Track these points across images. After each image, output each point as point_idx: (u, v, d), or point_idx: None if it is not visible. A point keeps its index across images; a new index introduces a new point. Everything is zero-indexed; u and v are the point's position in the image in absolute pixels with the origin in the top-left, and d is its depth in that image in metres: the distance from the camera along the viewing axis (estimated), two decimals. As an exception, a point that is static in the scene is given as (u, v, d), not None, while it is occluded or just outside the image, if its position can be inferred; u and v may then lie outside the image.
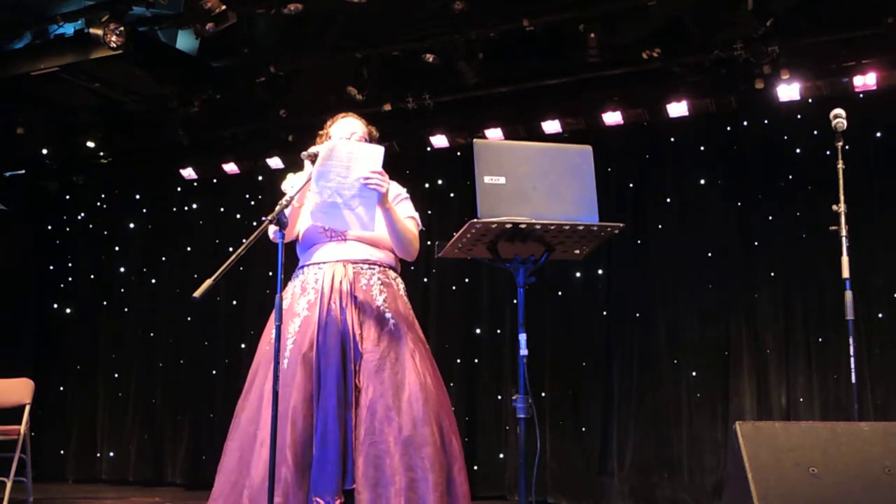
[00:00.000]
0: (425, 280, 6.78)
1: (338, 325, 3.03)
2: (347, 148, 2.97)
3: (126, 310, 7.86)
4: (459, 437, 3.13)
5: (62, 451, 7.73)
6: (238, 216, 7.61)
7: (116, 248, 8.04)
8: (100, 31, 5.43)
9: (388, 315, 3.10)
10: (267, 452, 2.87)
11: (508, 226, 2.64)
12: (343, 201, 2.96)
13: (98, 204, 8.17)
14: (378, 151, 2.97)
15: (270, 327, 3.18)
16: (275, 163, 7.14)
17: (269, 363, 3.06)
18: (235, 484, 2.95)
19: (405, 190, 3.32)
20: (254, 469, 2.91)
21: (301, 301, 3.12)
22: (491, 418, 6.55)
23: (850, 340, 3.90)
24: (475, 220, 2.61)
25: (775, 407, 5.81)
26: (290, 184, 3.20)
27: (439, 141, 6.73)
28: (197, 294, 2.66)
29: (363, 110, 4.80)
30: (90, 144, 7.43)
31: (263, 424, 2.95)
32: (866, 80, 5.60)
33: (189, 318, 7.60)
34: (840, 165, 4.00)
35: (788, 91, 5.73)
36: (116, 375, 7.76)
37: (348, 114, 3.39)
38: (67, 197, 8.28)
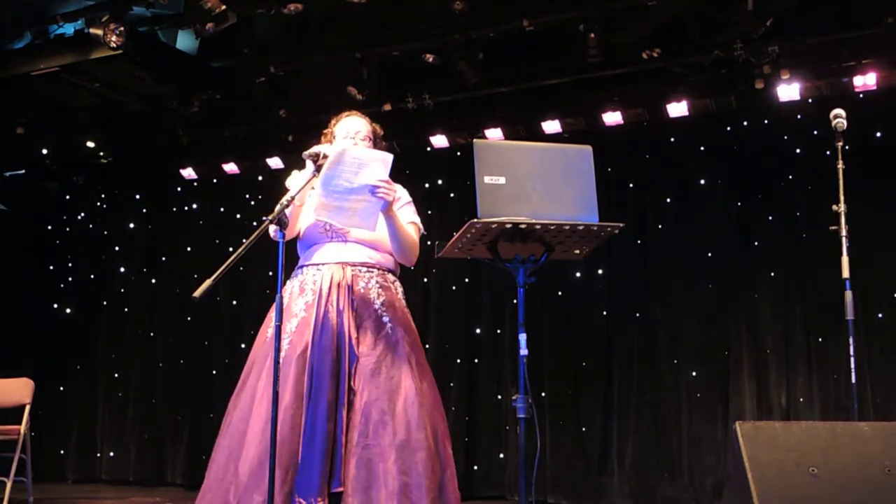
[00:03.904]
0: (425, 280, 6.77)
1: (334, 328, 3.02)
2: (356, 154, 2.95)
3: (126, 310, 7.86)
4: (451, 442, 3.12)
5: (62, 451, 7.73)
6: (238, 216, 7.61)
7: (116, 248, 8.04)
8: (100, 31, 5.42)
9: (386, 319, 3.10)
10: (255, 450, 2.89)
11: (508, 226, 2.63)
12: (348, 205, 2.96)
13: (98, 204, 8.17)
14: (387, 159, 2.94)
15: (266, 325, 3.18)
16: (275, 163, 7.15)
17: (263, 361, 3.07)
18: (223, 480, 2.95)
19: (407, 192, 3.30)
20: (241, 466, 2.91)
21: (299, 301, 3.11)
22: (491, 418, 6.54)
23: (850, 340, 3.89)
24: (475, 220, 2.61)
25: (775, 407, 5.81)
26: (294, 181, 3.18)
27: (439, 141, 6.73)
28: (197, 294, 2.65)
29: (363, 110, 4.77)
30: (90, 144, 7.43)
31: (253, 422, 2.96)
32: (866, 80, 5.60)
33: (189, 318, 7.60)
34: (840, 165, 4.00)
35: (788, 91, 5.73)
36: (116, 375, 7.76)
37: (352, 112, 3.38)
38: (67, 197, 8.28)
